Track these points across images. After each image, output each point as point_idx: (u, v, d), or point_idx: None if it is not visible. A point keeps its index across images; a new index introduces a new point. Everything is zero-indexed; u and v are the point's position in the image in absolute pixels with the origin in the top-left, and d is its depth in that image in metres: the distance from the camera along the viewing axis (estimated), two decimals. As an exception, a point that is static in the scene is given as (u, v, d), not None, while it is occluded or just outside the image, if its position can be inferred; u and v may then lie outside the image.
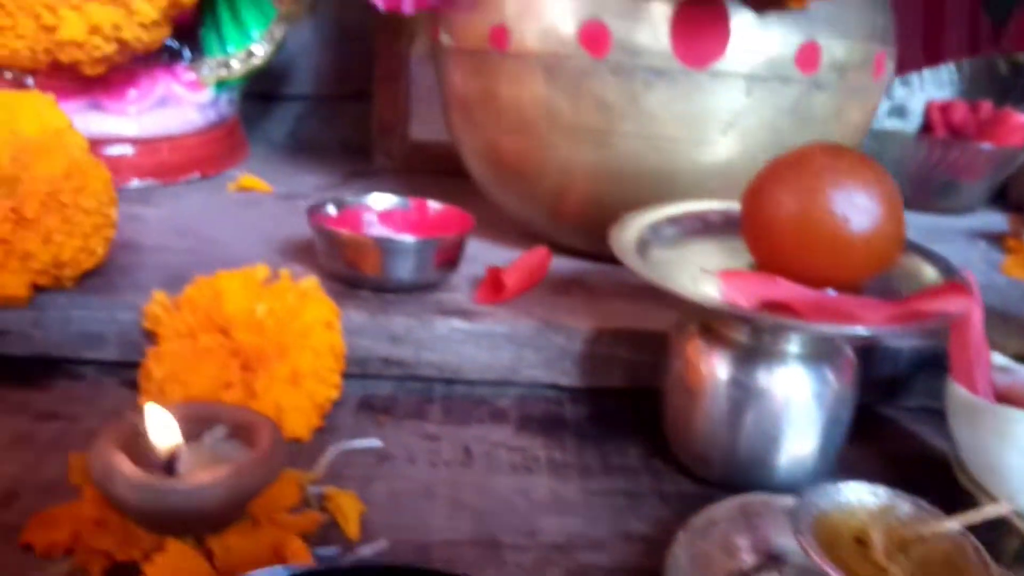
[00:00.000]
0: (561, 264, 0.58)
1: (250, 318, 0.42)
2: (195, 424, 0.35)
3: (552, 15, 0.49)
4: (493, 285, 0.50)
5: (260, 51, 0.81)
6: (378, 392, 0.48)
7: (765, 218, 0.38)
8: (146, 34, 0.65)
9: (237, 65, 0.80)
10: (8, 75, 0.72)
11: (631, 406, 0.49)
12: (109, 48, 0.64)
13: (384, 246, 0.49)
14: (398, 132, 0.90)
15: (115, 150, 0.73)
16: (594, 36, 0.48)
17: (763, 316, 0.35)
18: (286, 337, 0.41)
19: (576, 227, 0.58)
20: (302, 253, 0.57)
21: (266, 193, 0.76)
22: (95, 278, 0.48)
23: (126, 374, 0.47)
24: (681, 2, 0.47)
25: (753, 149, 0.51)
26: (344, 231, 0.49)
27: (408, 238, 0.49)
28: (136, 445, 0.33)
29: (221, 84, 0.80)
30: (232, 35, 0.80)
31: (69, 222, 0.43)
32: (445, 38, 0.56)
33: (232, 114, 0.84)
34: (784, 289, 0.37)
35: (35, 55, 0.63)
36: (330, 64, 1.00)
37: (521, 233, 0.62)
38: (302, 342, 0.42)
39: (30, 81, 0.71)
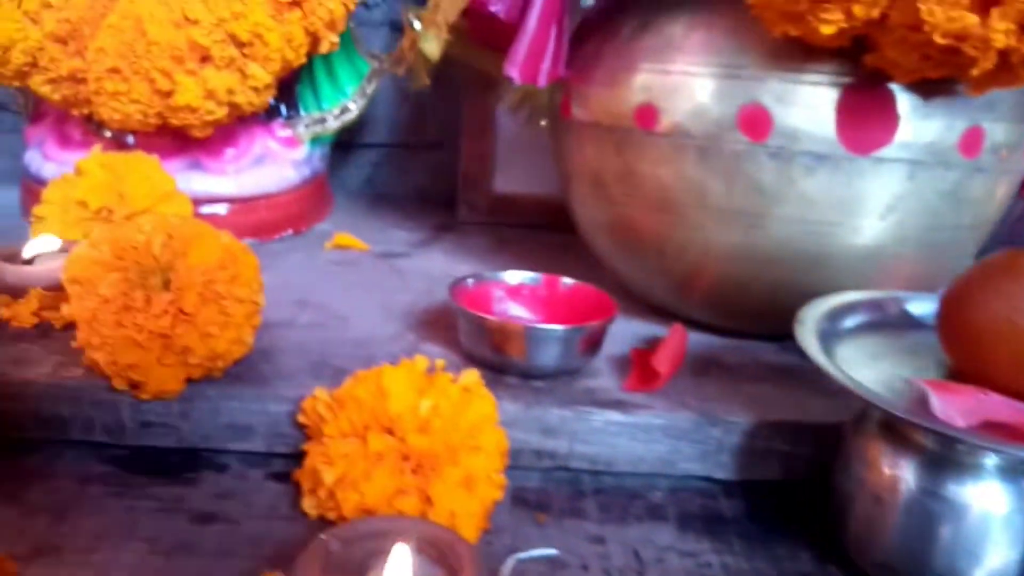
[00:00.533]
0: (692, 339, 0.56)
1: (416, 416, 0.40)
2: (381, 540, 0.34)
3: (709, 97, 0.47)
4: (644, 372, 0.49)
5: (354, 106, 0.80)
6: (528, 484, 0.46)
7: (972, 326, 0.37)
8: (257, 97, 0.65)
9: (332, 121, 0.79)
10: (108, 133, 0.71)
11: (789, 500, 0.47)
12: (221, 112, 0.64)
13: (533, 333, 0.47)
14: (483, 184, 0.89)
15: (213, 209, 0.72)
16: (754, 120, 0.46)
17: (1002, 445, 0.33)
18: (454, 437, 0.40)
19: (707, 303, 0.56)
20: (432, 328, 0.55)
21: (363, 251, 0.75)
22: (238, 365, 0.46)
23: (271, 465, 0.45)
24: (847, 88, 0.45)
25: (908, 232, 0.49)
26: (491, 317, 0.48)
27: (557, 327, 0.48)
28: (331, 569, 0.32)
29: (315, 140, 0.80)
30: (327, 92, 0.79)
31: (225, 314, 0.42)
32: (578, 111, 0.55)
33: (323, 169, 0.83)
34: (1000, 407, 0.35)
35: (146, 119, 0.63)
36: (407, 114, 1.00)
37: (635, 300, 0.60)
38: (471, 442, 0.40)
39: (131, 140, 0.71)
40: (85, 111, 0.64)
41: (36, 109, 0.75)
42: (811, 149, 0.46)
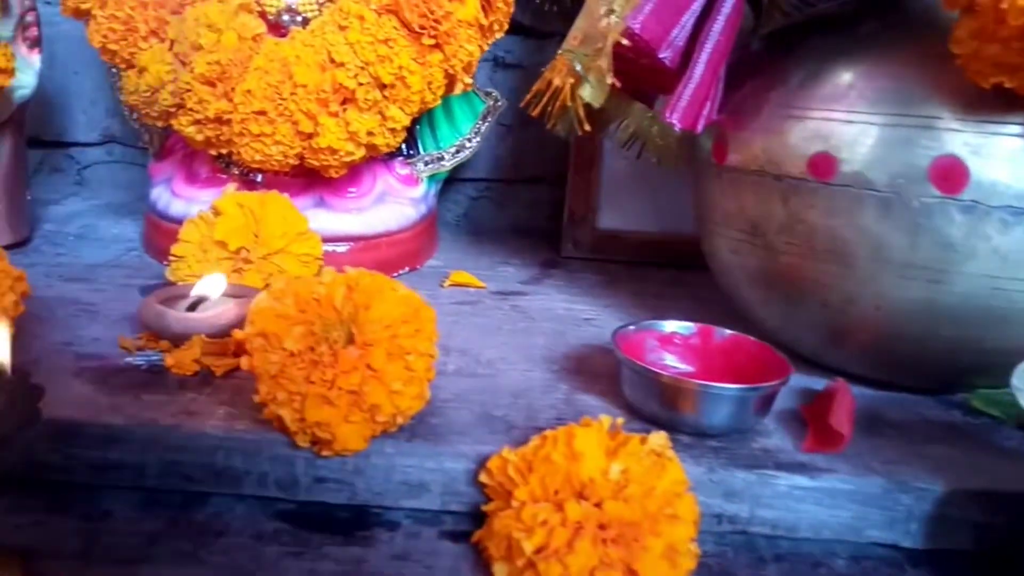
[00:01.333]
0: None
1: (607, 481, 0.39)
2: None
3: (895, 148, 0.46)
4: (821, 432, 0.46)
5: (470, 144, 0.80)
6: (705, 549, 0.44)
7: None
8: (393, 139, 0.64)
9: (449, 159, 0.79)
10: (236, 171, 0.72)
11: (980, 570, 0.44)
12: (359, 154, 0.63)
13: (708, 392, 0.46)
14: (588, 220, 0.88)
15: (334, 247, 0.72)
16: (948, 173, 0.44)
17: None
18: (651, 504, 0.38)
19: (868, 356, 0.54)
20: (582, 377, 0.54)
21: (480, 289, 0.74)
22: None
23: (443, 523, 0.44)
24: (1051, 140, 0.43)
25: (1103, 289, 0.47)
26: (665, 374, 0.47)
27: (733, 387, 0.46)
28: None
29: (432, 178, 0.79)
30: (445, 131, 0.79)
31: (410, 369, 0.41)
32: (736, 158, 0.54)
33: (435, 206, 0.82)
34: None
35: (286, 159, 0.63)
36: (507, 150, 0.99)
37: (779, 348, 0.58)
38: (668, 510, 0.38)
39: (259, 178, 0.71)
40: (224, 151, 0.64)
41: (163, 146, 0.76)
42: (1010, 204, 0.44)
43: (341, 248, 0.73)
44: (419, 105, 0.63)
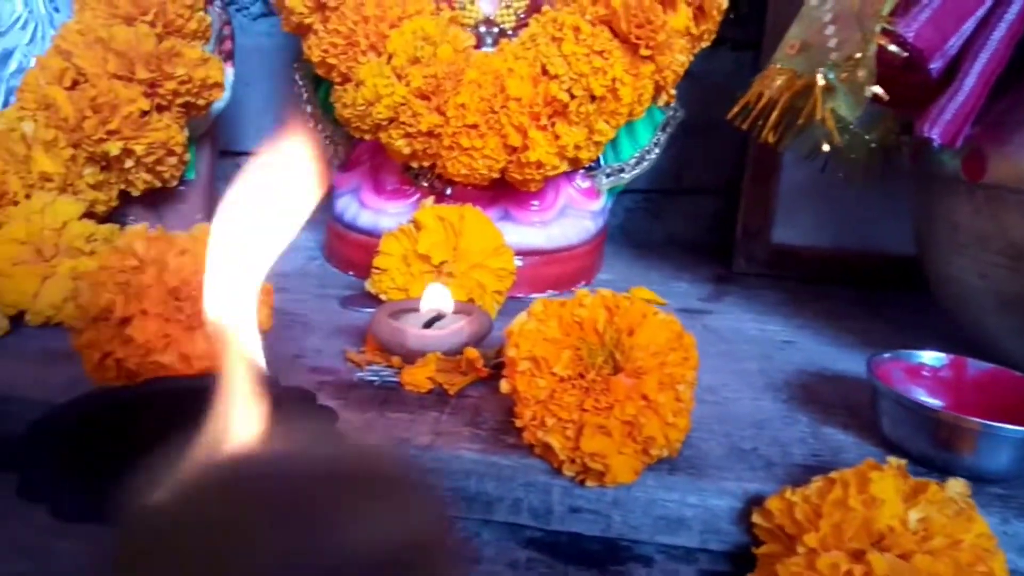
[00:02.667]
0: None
1: (907, 531, 0.35)
2: None
3: None
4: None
5: (650, 156, 0.78)
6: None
7: None
8: (596, 153, 0.63)
9: (629, 171, 0.77)
10: (424, 183, 0.71)
11: None
12: (563, 167, 0.62)
13: (992, 433, 0.42)
14: (764, 235, 0.84)
15: (518, 262, 0.70)
16: None
17: None
18: (961, 558, 0.35)
19: None
20: (818, 406, 0.51)
21: (661, 306, 0.72)
22: (660, 448, 0.43)
23: (698, 561, 0.42)
24: None
25: None
26: (943, 411, 0.43)
27: (1020, 428, 0.42)
28: None
29: (611, 191, 0.77)
30: (625, 143, 0.77)
31: (680, 400, 0.39)
32: (996, 175, 0.50)
33: (608, 220, 0.81)
34: None
35: (490, 173, 0.62)
36: (668, 159, 0.96)
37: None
38: (981, 568, 0.35)
39: (448, 191, 0.71)
40: (425, 164, 0.64)
41: (348, 157, 0.77)
42: None
43: (519, 262, 0.71)
44: (625, 118, 0.61)
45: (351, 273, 0.74)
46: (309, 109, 0.80)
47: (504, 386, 0.41)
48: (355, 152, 0.77)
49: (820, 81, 0.49)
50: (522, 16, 0.66)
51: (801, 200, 0.85)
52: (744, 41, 0.92)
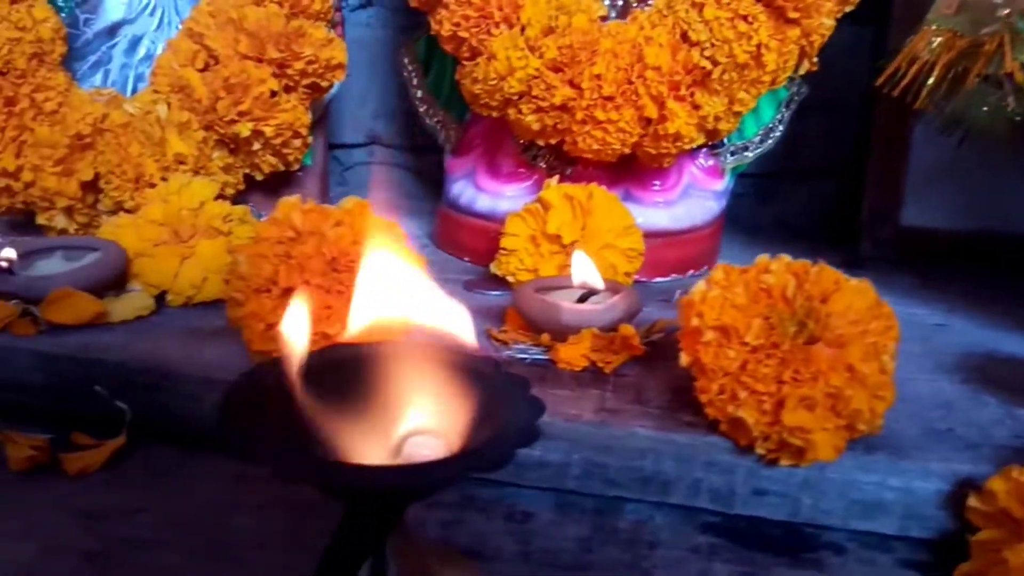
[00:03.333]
0: None
1: None
2: None
3: None
4: None
5: (774, 133, 0.74)
6: None
7: None
8: (734, 124, 0.60)
9: (753, 149, 0.73)
10: (542, 163, 0.69)
11: None
12: (700, 140, 0.59)
13: None
14: (893, 217, 0.80)
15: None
16: None
17: None
18: None
19: None
20: (999, 388, 0.47)
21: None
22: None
23: (895, 550, 0.38)
24: None
25: None
26: None
27: None
28: None
29: (734, 170, 0.74)
30: (748, 120, 0.73)
31: (884, 372, 0.36)
32: None
33: (728, 202, 0.77)
34: None
35: (622, 147, 0.60)
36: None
37: None
38: None
39: (568, 171, 0.68)
40: (553, 140, 0.61)
41: (460, 141, 0.75)
42: None
43: (655, 244, 0.69)
44: (767, 87, 0.58)
45: (466, 258, 0.73)
46: (419, 94, 0.79)
47: (683, 359, 0.39)
48: (466, 136, 0.75)
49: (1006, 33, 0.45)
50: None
51: (931, 180, 0.80)
52: (865, 16, 0.87)
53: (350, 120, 1.01)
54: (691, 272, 0.71)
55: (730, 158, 0.73)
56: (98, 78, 0.64)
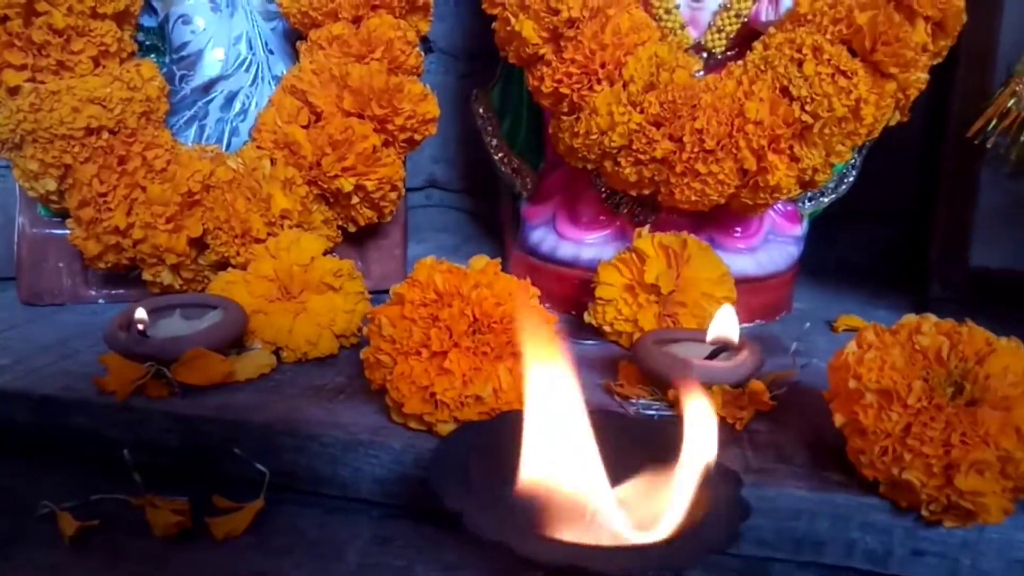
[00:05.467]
0: None
1: None
2: None
3: None
4: None
5: (848, 179, 0.75)
6: None
7: None
8: (828, 176, 0.61)
9: (829, 194, 0.74)
10: (624, 210, 0.70)
11: None
12: (796, 192, 0.60)
13: None
14: (962, 258, 0.81)
15: (728, 290, 0.68)
16: None
17: None
18: None
19: None
20: None
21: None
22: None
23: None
24: None
25: None
26: None
27: None
28: None
29: (811, 215, 0.75)
30: (826, 164, 0.74)
31: (1046, 433, 0.36)
32: None
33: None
34: None
35: (718, 199, 0.60)
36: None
37: None
38: None
39: (649, 219, 0.69)
40: (647, 191, 0.62)
41: (537, 189, 0.76)
42: None
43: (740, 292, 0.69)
44: (863, 139, 0.59)
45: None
46: (494, 142, 0.80)
47: (838, 419, 0.39)
48: (544, 183, 0.76)
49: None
50: (732, 40, 0.65)
51: (999, 221, 0.81)
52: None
53: (409, 164, 1.02)
54: (774, 318, 0.72)
55: (808, 204, 0.74)
56: (192, 133, 0.65)
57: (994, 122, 0.62)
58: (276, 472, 0.44)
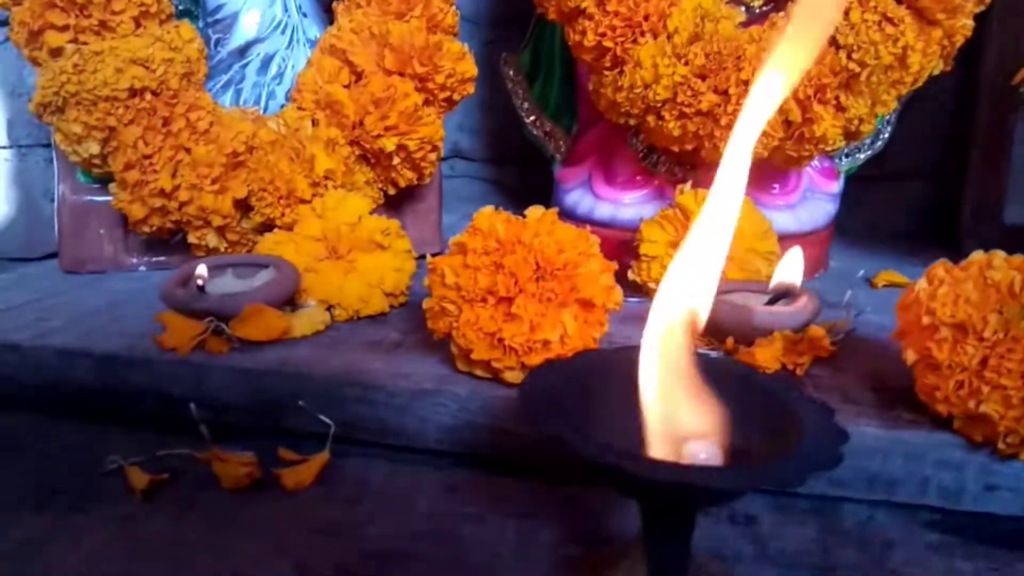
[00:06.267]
0: None
1: None
2: None
3: None
4: None
5: (883, 135, 0.75)
6: None
7: None
8: (873, 126, 0.60)
9: (865, 150, 0.74)
10: (662, 168, 0.70)
11: None
12: (840, 144, 0.60)
13: None
14: (996, 216, 0.80)
15: (767, 247, 0.68)
16: None
17: None
18: None
19: None
20: None
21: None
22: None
23: None
24: None
25: None
26: None
27: None
28: None
29: (848, 172, 0.75)
30: (862, 119, 0.74)
31: None
32: None
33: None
34: None
35: (763, 151, 0.60)
36: (867, 142, 0.93)
37: None
38: None
39: (684, 176, 0.69)
40: (690, 146, 0.62)
41: (572, 151, 0.76)
42: None
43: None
44: (909, 88, 0.58)
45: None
46: (525, 105, 0.79)
47: (910, 356, 0.39)
48: (578, 146, 0.76)
49: None
50: (773, -7, 0.64)
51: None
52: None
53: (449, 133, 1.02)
54: (813, 277, 0.72)
55: (844, 160, 0.73)
56: (228, 97, 0.64)
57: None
58: (340, 424, 0.44)
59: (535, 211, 0.46)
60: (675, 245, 0.61)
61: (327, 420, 0.43)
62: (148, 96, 0.55)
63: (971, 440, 0.38)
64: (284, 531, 0.38)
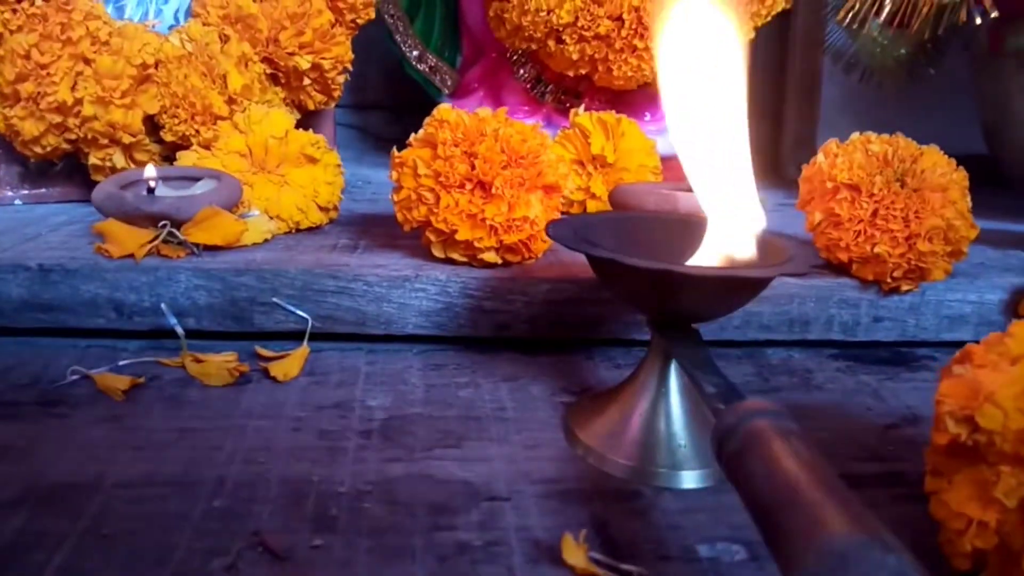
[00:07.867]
0: None
1: None
2: None
3: None
4: None
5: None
6: None
7: None
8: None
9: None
10: (549, 98, 0.75)
11: None
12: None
13: None
14: (811, 152, 0.95)
15: (644, 168, 0.76)
16: None
17: None
18: None
19: None
20: None
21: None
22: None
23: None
24: None
25: None
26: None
27: None
28: None
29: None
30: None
31: (969, 209, 0.47)
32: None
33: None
34: None
35: (650, 73, 0.67)
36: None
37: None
38: None
39: (571, 104, 0.74)
40: (584, 71, 0.67)
41: (460, 84, 0.79)
42: None
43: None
44: (764, 20, 0.68)
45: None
46: (408, 42, 0.81)
47: (816, 217, 0.47)
48: (465, 79, 0.79)
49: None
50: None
51: (842, 114, 0.96)
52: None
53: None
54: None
55: (701, 92, 0.83)
56: (110, 12, 0.59)
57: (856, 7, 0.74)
58: (316, 318, 0.44)
59: (483, 110, 0.49)
60: (578, 163, 0.66)
61: (304, 315, 0.44)
62: (39, 1, 0.50)
63: (864, 280, 0.47)
64: (292, 410, 0.38)
